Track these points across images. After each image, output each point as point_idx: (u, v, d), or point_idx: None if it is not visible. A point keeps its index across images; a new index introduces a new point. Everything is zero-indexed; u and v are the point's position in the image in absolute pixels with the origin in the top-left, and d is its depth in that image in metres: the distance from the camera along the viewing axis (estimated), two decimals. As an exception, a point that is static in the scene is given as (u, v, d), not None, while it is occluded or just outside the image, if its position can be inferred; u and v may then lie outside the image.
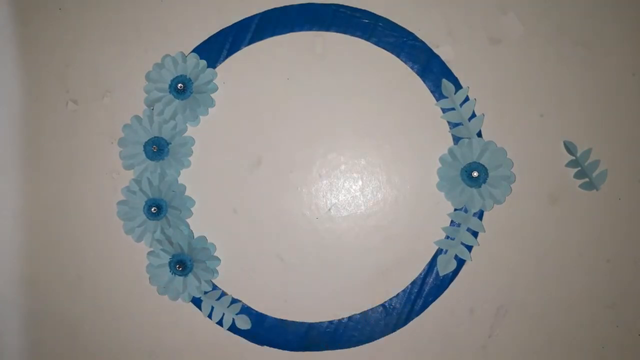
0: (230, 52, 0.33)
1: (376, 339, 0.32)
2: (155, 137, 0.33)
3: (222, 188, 0.33)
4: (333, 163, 0.33)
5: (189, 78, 0.33)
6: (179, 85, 0.33)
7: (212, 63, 0.33)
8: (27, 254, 0.35)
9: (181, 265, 0.32)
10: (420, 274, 0.32)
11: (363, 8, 0.32)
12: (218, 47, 0.33)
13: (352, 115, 0.33)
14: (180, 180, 0.33)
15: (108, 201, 0.33)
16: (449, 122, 0.32)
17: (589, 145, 0.31)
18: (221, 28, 0.33)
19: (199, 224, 0.33)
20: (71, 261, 0.35)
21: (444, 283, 0.32)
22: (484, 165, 0.31)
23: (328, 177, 0.33)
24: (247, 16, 0.33)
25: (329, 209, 0.33)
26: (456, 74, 0.32)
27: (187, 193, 0.33)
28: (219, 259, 0.33)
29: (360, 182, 0.33)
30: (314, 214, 0.33)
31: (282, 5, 0.33)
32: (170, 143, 0.33)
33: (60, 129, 0.35)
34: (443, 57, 0.32)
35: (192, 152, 0.34)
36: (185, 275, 0.33)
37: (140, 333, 0.34)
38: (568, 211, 0.31)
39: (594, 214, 0.31)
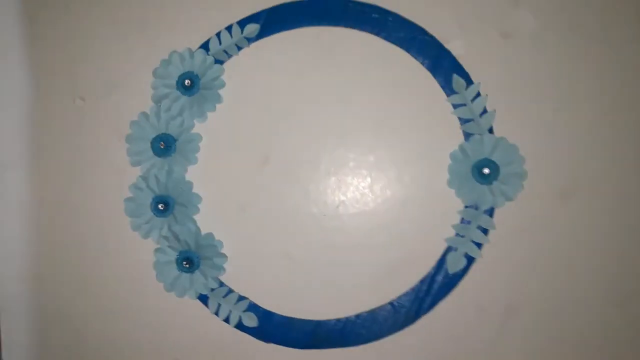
0: (239, 48, 0.33)
1: (384, 337, 0.32)
2: (162, 133, 0.33)
3: (230, 185, 0.33)
4: (341, 160, 0.32)
5: (196, 74, 0.33)
6: (186, 81, 0.33)
7: (220, 59, 0.33)
8: (33, 251, 0.35)
9: (188, 262, 0.32)
10: (430, 272, 0.31)
11: (373, 2, 0.32)
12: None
13: (361, 111, 0.32)
14: (188, 177, 0.33)
15: (115, 198, 0.33)
16: (459, 118, 0.31)
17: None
18: (229, 24, 0.33)
19: (206, 221, 0.33)
20: (78, 258, 0.35)
21: (453, 281, 0.31)
22: (495, 162, 0.30)
23: (336, 174, 0.32)
24: (255, 12, 0.33)
25: (337, 206, 0.32)
26: (467, 69, 0.31)
27: (194, 190, 0.33)
28: (226, 256, 0.33)
29: (369, 179, 0.32)
30: (322, 211, 0.32)
31: (290, 0, 0.33)
32: (178, 139, 0.33)
33: (68, 125, 0.35)
34: (454, 52, 0.31)
35: (199, 148, 0.33)
36: (192, 272, 0.32)
37: (146, 330, 0.34)
38: (580, 208, 0.31)
39: (606, 211, 0.31)
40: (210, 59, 0.33)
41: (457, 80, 0.31)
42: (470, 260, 0.31)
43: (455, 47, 0.31)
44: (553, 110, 0.31)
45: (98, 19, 0.34)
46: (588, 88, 0.31)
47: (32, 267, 0.35)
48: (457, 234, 0.31)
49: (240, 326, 0.33)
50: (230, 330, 0.33)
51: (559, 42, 0.31)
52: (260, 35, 0.33)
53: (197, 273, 0.32)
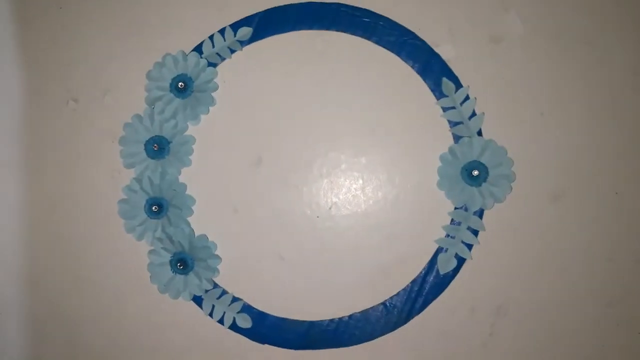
0: (232, 51, 0.34)
1: (377, 337, 0.32)
2: (156, 135, 0.33)
3: (223, 187, 0.33)
4: (334, 162, 0.33)
5: (190, 77, 0.33)
6: (180, 84, 0.33)
7: (213, 62, 0.33)
8: (27, 252, 0.35)
9: (182, 263, 0.32)
10: (421, 273, 0.32)
11: (365, 7, 0.32)
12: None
13: (353, 114, 0.33)
14: (182, 179, 0.34)
15: (109, 199, 0.34)
16: (449, 121, 0.32)
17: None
18: (222, 27, 0.33)
19: (199, 222, 0.33)
20: (72, 259, 0.35)
21: (444, 281, 0.32)
22: (484, 164, 0.31)
23: (329, 175, 0.33)
24: (248, 15, 0.33)
25: (330, 208, 0.33)
26: (457, 72, 0.32)
27: (188, 192, 0.33)
28: (219, 258, 0.33)
29: (360, 181, 0.33)
30: (314, 212, 0.33)
31: (283, 4, 0.33)
32: (171, 142, 0.33)
33: (61, 127, 0.35)
34: (444, 56, 0.32)
35: (193, 150, 0.34)
36: (186, 273, 0.33)
37: (141, 331, 0.34)
38: (569, 210, 0.31)
39: (595, 212, 0.31)
40: (203, 61, 0.33)
41: (447, 84, 0.31)
42: (460, 261, 0.31)
43: (446, 51, 0.32)
44: (541, 113, 0.31)
45: (91, 20, 0.35)
46: (575, 92, 0.31)
47: (26, 268, 0.35)
48: (448, 235, 0.32)
49: (234, 327, 0.33)
50: (224, 331, 0.33)
51: (546, 46, 0.31)
52: (253, 38, 0.33)
53: (191, 275, 0.33)
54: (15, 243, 0.35)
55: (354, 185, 0.33)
